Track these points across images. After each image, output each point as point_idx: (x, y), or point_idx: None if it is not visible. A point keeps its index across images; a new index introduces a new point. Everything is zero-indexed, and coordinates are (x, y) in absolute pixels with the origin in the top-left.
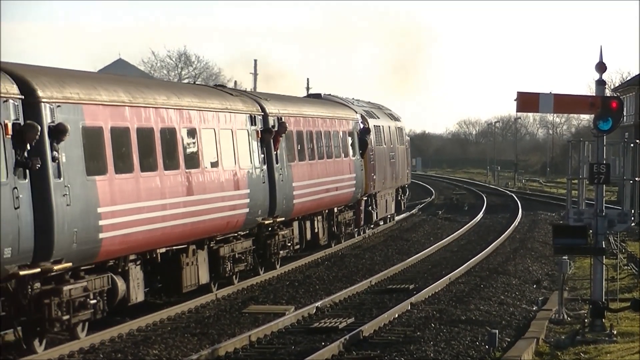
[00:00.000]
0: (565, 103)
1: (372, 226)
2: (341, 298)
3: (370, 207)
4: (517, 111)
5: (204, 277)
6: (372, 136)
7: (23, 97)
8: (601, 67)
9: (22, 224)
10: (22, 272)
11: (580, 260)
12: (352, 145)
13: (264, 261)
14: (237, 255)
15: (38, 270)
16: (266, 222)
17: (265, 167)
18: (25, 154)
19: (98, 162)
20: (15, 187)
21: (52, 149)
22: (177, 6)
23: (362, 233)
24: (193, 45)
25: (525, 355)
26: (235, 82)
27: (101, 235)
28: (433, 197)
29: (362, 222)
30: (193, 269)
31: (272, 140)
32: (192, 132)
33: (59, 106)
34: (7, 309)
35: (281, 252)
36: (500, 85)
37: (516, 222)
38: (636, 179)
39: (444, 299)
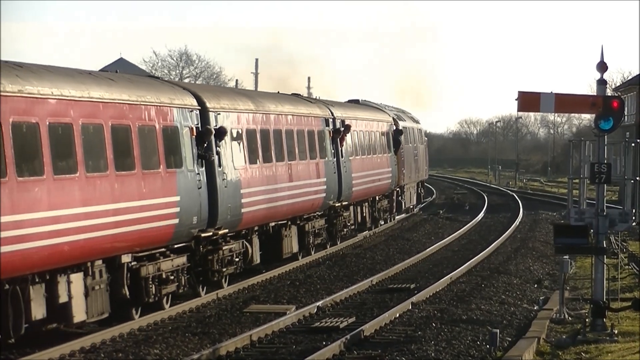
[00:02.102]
0: (566, 103)
1: (403, 213)
2: (342, 297)
3: (400, 197)
4: (518, 111)
5: (295, 247)
6: (402, 136)
7: (200, 108)
8: (602, 66)
9: (202, 200)
10: (204, 234)
11: (581, 260)
12: (388, 143)
13: (330, 237)
14: (316, 231)
15: (210, 233)
16: (335, 205)
17: (335, 160)
18: (203, 149)
19: (240, 156)
20: (198, 173)
21: (216, 145)
22: (177, 6)
23: (393, 219)
24: (194, 45)
25: (526, 354)
26: (237, 81)
27: (242, 210)
28: (434, 196)
29: (394, 210)
30: (289, 240)
31: (339, 139)
32: (289, 132)
33: (218, 114)
34: (191, 261)
35: (345, 229)
36: (501, 84)
37: (517, 222)
38: (637, 178)
39: (445, 298)
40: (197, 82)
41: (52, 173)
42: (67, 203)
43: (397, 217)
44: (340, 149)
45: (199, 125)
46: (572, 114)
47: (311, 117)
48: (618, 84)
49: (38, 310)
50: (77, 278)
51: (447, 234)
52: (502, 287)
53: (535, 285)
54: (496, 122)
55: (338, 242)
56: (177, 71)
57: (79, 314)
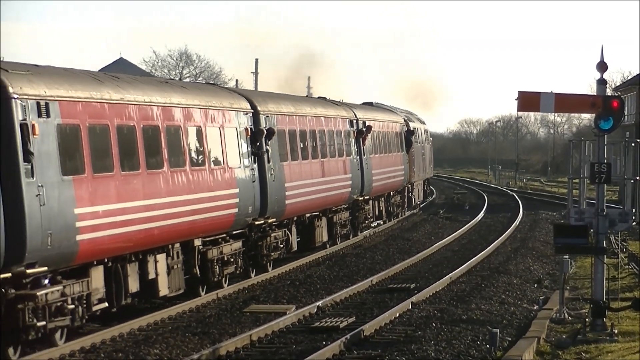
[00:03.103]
0: (566, 102)
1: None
2: (342, 297)
3: (410, 193)
4: (518, 110)
5: (325, 237)
6: (413, 136)
7: (252, 111)
8: (602, 66)
9: (255, 192)
10: (256, 222)
11: (581, 260)
12: (401, 143)
13: (353, 228)
14: (342, 222)
15: (262, 221)
16: (359, 198)
17: (358, 158)
18: (255, 147)
19: (284, 153)
20: (252, 169)
21: (265, 144)
22: (178, 5)
23: (405, 214)
24: (194, 45)
25: (526, 354)
26: (237, 81)
27: (287, 202)
28: (434, 196)
29: (405, 205)
30: (320, 230)
31: (361, 139)
32: (322, 132)
33: (267, 116)
34: (246, 245)
35: (366, 222)
36: (501, 84)
37: (517, 222)
38: (637, 178)
39: (445, 298)
40: (196, 83)
41: (146, 168)
42: (157, 193)
43: (406, 213)
44: (362, 147)
45: (252, 126)
46: (572, 114)
47: (339, 119)
48: (618, 84)
49: (134, 285)
50: (161, 258)
51: (447, 233)
52: (502, 287)
53: (535, 285)
54: (496, 122)
55: (358, 233)
56: (177, 71)
57: (163, 289)
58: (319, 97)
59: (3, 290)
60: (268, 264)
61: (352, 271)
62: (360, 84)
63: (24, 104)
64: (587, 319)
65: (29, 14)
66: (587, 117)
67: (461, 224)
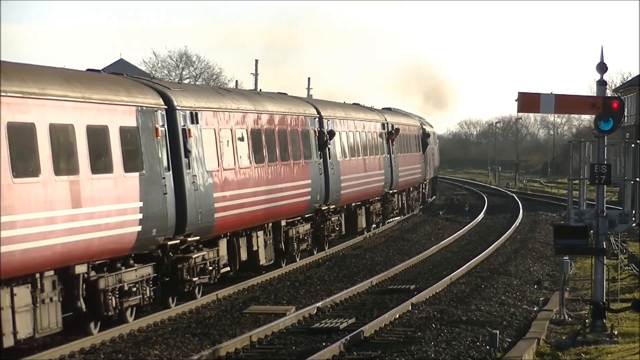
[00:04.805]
0: (566, 103)
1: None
2: (342, 298)
3: (424, 190)
4: (518, 111)
5: (364, 224)
6: (429, 138)
7: (319, 116)
8: (602, 67)
9: (322, 183)
10: (322, 208)
11: (581, 261)
12: (418, 144)
13: (383, 217)
14: (377, 212)
15: (325, 208)
16: (388, 192)
17: (388, 156)
18: (322, 146)
19: (339, 151)
20: (320, 163)
21: (327, 143)
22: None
23: (418, 208)
24: (194, 45)
25: (526, 355)
26: (237, 82)
27: (341, 192)
28: (434, 197)
29: (420, 200)
30: (361, 218)
31: (390, 140)
32: (363, 134)
33: (328, 120)
34: (313, 227)
35: (393, 212)
36: (501, 85)
37: (517, 223)
38: (637, 179)
39: (445, 299)
40: (196, 83)
41: (239, 165)
42: (260, 183)
43: (418, 208)
44: (391, 147)
45: (319, 128)
46: (572, 115)
47: (373, 122)
48: (618, 85)
49: (243, 254)
50: (261, 235)
51: (447, 234)
52: (502, 288)
53: (535, 286)
54: (496, 122)
55: (386, 224)
56: (177, 72)
57: (262, 259)
58: (353, 104)
59: (170, 254)
60: (325, 243)
61: (352, 272)
62: (358, 84)
63: (183, 113)
64: (587, 320)
65: (29, 14)
66: (587, 118)
67: (461, 225)
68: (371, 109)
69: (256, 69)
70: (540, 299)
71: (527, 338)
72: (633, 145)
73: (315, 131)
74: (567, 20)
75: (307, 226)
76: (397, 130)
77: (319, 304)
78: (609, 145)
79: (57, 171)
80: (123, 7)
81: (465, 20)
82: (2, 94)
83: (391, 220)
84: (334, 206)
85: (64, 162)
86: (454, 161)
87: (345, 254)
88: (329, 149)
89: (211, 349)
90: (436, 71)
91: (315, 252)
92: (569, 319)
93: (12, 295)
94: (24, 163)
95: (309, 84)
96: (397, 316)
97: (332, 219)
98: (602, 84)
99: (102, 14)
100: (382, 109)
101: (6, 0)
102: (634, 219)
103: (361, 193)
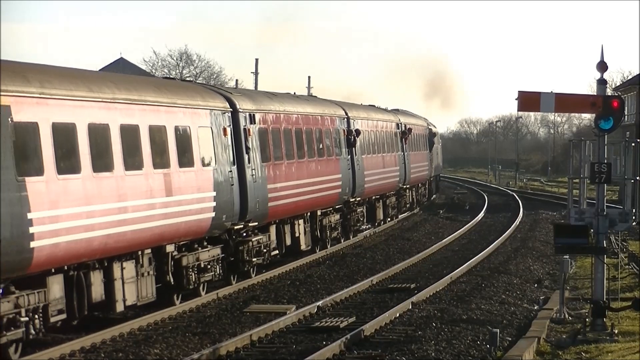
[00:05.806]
0: (566, 102)
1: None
2: (342, 297)
3: (430, 186)
4: (519, 110)
5: (381, 216)
6: (435, 138)
7: (346, 116)
8: (602, 66)
9: (350, 178)
10: (350, 200)
11: (582, 260)
12: (426, 143)
13: (397, 211)
14: (392, 205)
15: (354, 199)
16: (402, 187)
17: (402, 154)
18: (349, 143)
19: (363, 148)
20: (347, 159)
21: (355, 141)
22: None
23: (424, 204)
24: (194, 45)
25: (527, 354)
26: (237, 81)
27: (365, 186)
28: (434, 196)
29: (427, 195)
30: (379, 210)
31: (404, 139)
32: (381, 133)
33: (354, 120)
34: (342, 217)
35: (406, 205)
36: (501, 84)
37: (517, 222)
38: (637, 178)
39: (445, 298)
40: (196, 82)
41: (286, 160)
42: (301, 176)
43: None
44: (404, 146)
45: (347, 127)
46: (572, 114)
47: (389, 122)
48: (618, 84)
49: (288, 240)
50: (301, 222)
51: (447, 233)
52: (502, 287)
53: (536, 285)
54: (496, 121)
55: (399, 216)
56: (177, 71)
57: (303, 245)
58: (369, 105)
59: (234, 237)
60: (351, 233)
61: (352, 271)
62: (358, 84)
63: (244, 115)
64: (587, 319)
65: (29, 14)
66: (587, 117)
67: (461, 224)
68: (386, 110)
69: (256, 68)
70: (541, 297)
71: (527, 337)
72: (633, 144)
73: (344, 130)
74: (568, 19)
75: (337, 216)
76: (410, 129)
77: (319, 303)
78: (609, 144)
79: (155, 165)
80: (123, 7)
81: (465, 19)
82: (116, 101)
83: (405, 214)
84: (359, 198)
85: (159, 158)
86: (454, 160)
87: (345, 253)
88: (356, 147)
89: (211, 347)
90: (440, 69)
91: (342, 241)
92: (569, 317)
93: (122, 269)
94: (131, 159)
95: (309, 83)
96: (398, 315)
97: (358, 210)
98: (602, 82)
99: (102, 14)
100: (391, 110)
101: (6, 0)
102: (634, 218)
103: (380, 187)
